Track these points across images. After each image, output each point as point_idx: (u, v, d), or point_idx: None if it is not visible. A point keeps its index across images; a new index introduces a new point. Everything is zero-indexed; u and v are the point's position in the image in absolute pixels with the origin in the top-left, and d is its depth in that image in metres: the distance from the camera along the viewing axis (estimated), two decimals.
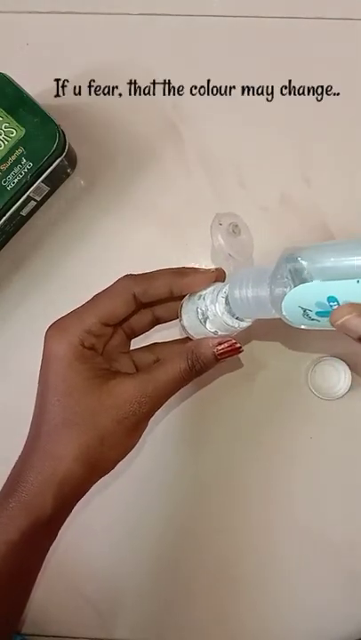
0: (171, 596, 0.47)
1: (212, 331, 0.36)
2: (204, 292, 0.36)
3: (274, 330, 0.47)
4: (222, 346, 0.35)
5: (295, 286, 0.30)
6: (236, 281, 0.34)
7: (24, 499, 0.34)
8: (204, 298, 0.36)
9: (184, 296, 0.38)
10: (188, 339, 0.39)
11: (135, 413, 0.34)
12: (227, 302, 0.35)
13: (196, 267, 0.38)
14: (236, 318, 0.35)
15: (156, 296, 0.36)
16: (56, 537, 0.36)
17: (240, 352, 0.36)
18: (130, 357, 0.39)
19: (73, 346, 0.34)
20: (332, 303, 0.30)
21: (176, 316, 0.38)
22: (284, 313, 0.32)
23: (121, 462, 0.36)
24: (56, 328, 0.35)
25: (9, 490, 0.34)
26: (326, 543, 0.47)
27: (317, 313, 0.31)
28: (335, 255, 0.30)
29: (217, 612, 0.47)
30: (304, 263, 0.30)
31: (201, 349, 0.35)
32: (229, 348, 0.35)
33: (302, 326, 0.33)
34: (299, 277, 0.31)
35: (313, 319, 0.31)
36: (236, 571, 0.47)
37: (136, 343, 0.41)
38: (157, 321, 0.40)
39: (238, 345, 0.36)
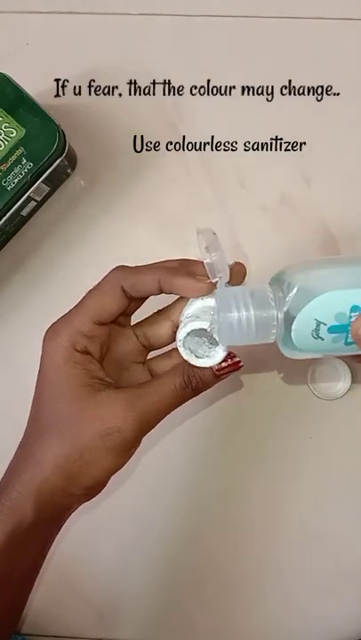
0: (171, 597, 0.47)
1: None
2: (183, 316, 0.33)
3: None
4: (222, 365, 0.33)
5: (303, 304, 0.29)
6: (227, 304, 0.31)
7: (7, 502, 0.32)
8: (183, 323, 0.33)
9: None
10: None
11: (120, 430, 0.32)
12: (184, 346, 0.32)
13: (196, 260, 0.35)
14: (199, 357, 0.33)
15: (145, 292, 0.33)
16: (48, 545, 0.35)
17: (240, 368, 0.34)
18: (145, 367, 0.36)
19: (64, 349, 0.33)
20: (353, 313, 0.29)
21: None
22: (294, 328, 0.30)
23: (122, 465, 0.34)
24: (51, 331, 0.34)
25: (1, 487, 0.34)
26: (326, 543, 0.47)
27: (331, 328, 0.30)
28: (347, 266, 0.30)
29: (217, 612, 0.47)
30: (312, 278, 0.30)
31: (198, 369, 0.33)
32: (230, 363, 0.33)
33: (297, 353, 0.32)
34: (307, 293, 0.30)
35: (320, 337, 0.30)
36: (237, 571, 0.47)
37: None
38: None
39: (238, 360, 0.34)
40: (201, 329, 0.32)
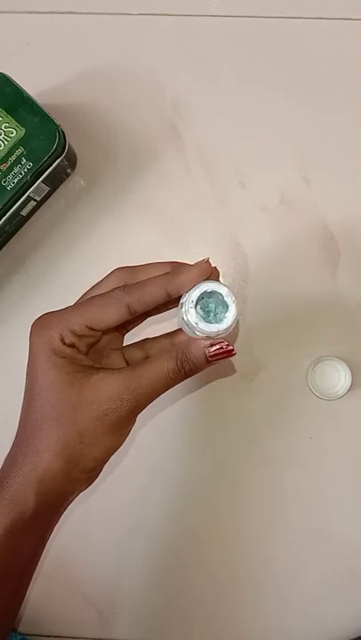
0: (171, 596, 0.47)
1: (193, 326, 0.33)
2: (184, 297, 0.34)
3: (274, 330, 0.47)
4: (215, 347, 0.33)
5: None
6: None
7: (7, 495, 0.33)
8: (184, 296, 0.34)
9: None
10: (177, 332, 0.38)
11: (117, 411, 0.33)
12: (197, 301, 0.33)
13: (184, 262, 0.35)
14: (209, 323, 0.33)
15: (152, 303, 0.33)
16: (47, 535, 0.35)
17: (233, 355, 0.34)
18: (122, 354, 0.37)
19: (52, 340, 0.33)
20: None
21: (166, 309, 0.37)
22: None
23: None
24: (39, 323, 0.34)
25: None
26: (326, 543, 0.47)
27: None
28: None
29: (217, 611, 0.47)
30: None
31: (191, 349, 0.33)
32: (222, 351, 0.33)
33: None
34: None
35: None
36: (236, 570, 0.47)
37: (129, 339, 0.39)
38: (148, 314, 0.38)
39: (231, 348, 0.34)
40: (213, 292, 0.33)
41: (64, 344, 0.33)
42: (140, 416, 0.35)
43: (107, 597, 0.47)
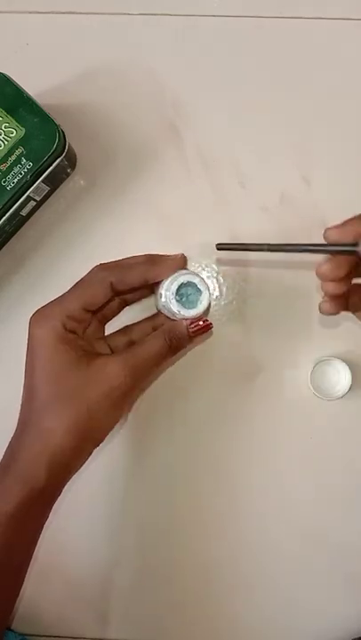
0: (170, 596, 0.47)
1: (175, 313, 0.40)
2: (165, 282, 0.40)
3: (274, 330, 0.47)
4: (194, 325, 0.40)
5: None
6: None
7: (19, 472, 0.36)
8: (163, 287, 0.40)
9: (156, 283, 0.41)
10: (156, 315, 0.43)
11: (120, 387, 0.37)
12: (176, 292, 0.40)
13: (163, 254, 0.41)
14: (185, 308, 0.40)
15: (131, 284, 0.39)
16: (50, 511, 0.38)
17: (210, 328, 0.41)
18: (105, 342, 0.42)
19: (56, 329, 0.37)
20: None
21: (142, 297, 0.44)
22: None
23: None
24: (39, 315, 0.38)
25: (4, 466, 0.37)
26: (326, 543, 0.47)
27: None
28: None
29: (216, 611, 0.47)
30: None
31: (177, 329, 0.40)
32: (201, 326, 0.40)
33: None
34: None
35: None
36: (236, 571, 0.47)
37: (109, 329, 0.43)
38: (125, 303, 0.43)
39: (209, 322, 0.41)
40: (188, 282, 0.40)
41: (66, 331, 0.37)
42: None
43: (106, 597, 0.47)
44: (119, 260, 0.40)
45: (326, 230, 0.34)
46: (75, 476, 0.39)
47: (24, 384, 0.38)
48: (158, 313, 0.44)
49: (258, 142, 0.48)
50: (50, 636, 0.47)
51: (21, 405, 0.38)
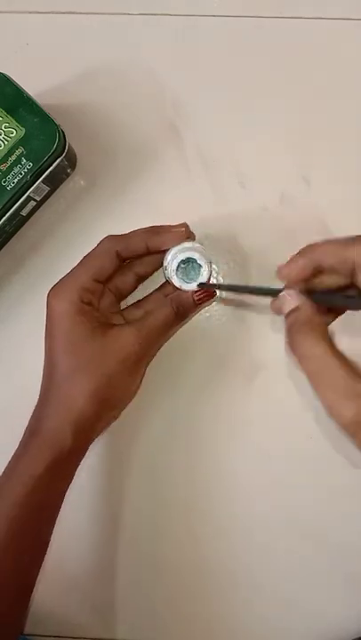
0: (171, 596, 0.47)
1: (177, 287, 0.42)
2: (168, 255, 0.42)
3: (273, 330, 0.47)
4: (199, 293, 0.42)
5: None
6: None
7: (46, 436, 0.38)
8: (167, 260, 0.42)
9: (160, 251, 0.42)
10: (165, 284, 0.44)
11: (135, 354, 0.40)
12: (177, 268, 0.42)
13: (169, 225, 0.42)
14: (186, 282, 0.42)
15: (134, 251, 0.41)
16: (75, 472, 0.40)
17: (214, 296, 0.43)
18: (121, 315, 0.44)
19: (73, 302, 0.39)
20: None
21: (154, 270, 0.45)
22: None
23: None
24: (55, 290, 0.40)
25: (30, 433, 0.39)
26: (326, 543, 0.47)
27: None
28: None
29: (216, 612, 0.47)
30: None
31: (182, 297, 0.42)
32: (205, 294, 0.42)
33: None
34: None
35: None
36: (236, 570, 0.47)
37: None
38: (140, 279, 0.45)
39: (213, 291, 0.43)
40: (188, 258, 0.42)
41: (83, 302, 0.39)
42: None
43: (107, 597, 0.47)
44: (125, 233, 0.42)
45: (278, 267, 0.38)
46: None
47: (45, 357, 0.40)
48: (167, 282, 0.45)
49: (258, 142, 0.48)
50: (50, 636, 0.47)
51: (42, 377, 0.40)
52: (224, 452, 0.47)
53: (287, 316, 0.36)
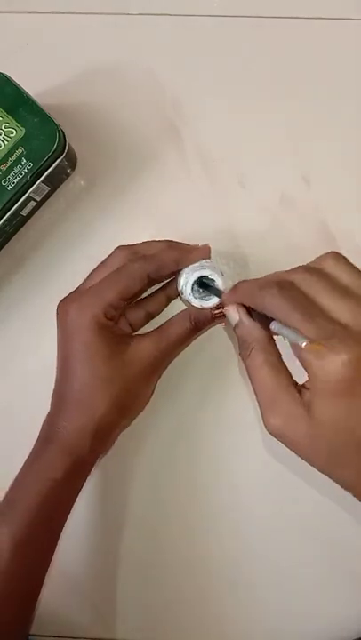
0: (171, 597, 0.47)
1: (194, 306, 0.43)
2: (180, 278, 0.42)
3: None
4: (217, 312, 0.43)
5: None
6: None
7: (64, 443, 0.39)
8: (180, 284, 0.42)
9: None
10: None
11: (152, 365, 0.41)
12: (192, 288, 0.42)
13: (179, 241, 0.43)
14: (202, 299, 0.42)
15: (166, 273, 0.42)
16: (86, 479, 0.41)
17: None
18: (125, 318, 0.44)
19: (97, 317, 0.40)
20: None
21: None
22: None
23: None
24: (77, 304, 0.40)
25: (46, 438, 0.40)
26: (326, 543, 0.47)
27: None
28: None
29: (216, 611, 0.47)
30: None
31: (201, 312, 0.43)
32: (222, 312, 0.42)
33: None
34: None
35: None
36: (236, 570, 0.47)
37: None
38: (152, 282, 0.43)
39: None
40: (202, 276, 0.42)
41: (106, 318, 0.40)
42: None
43: (107, 597, 0.47)
44: (141, 245, 0.42)
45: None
46: None
47: (59, 364, 0.41)
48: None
49: (258, 142, 0.48)
50: (50, 636, 0.47)
51: (56, 382, 0.41)
52: (223, 451, 0.47)
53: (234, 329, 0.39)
